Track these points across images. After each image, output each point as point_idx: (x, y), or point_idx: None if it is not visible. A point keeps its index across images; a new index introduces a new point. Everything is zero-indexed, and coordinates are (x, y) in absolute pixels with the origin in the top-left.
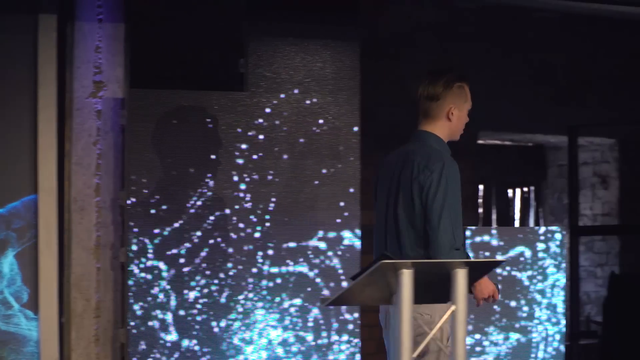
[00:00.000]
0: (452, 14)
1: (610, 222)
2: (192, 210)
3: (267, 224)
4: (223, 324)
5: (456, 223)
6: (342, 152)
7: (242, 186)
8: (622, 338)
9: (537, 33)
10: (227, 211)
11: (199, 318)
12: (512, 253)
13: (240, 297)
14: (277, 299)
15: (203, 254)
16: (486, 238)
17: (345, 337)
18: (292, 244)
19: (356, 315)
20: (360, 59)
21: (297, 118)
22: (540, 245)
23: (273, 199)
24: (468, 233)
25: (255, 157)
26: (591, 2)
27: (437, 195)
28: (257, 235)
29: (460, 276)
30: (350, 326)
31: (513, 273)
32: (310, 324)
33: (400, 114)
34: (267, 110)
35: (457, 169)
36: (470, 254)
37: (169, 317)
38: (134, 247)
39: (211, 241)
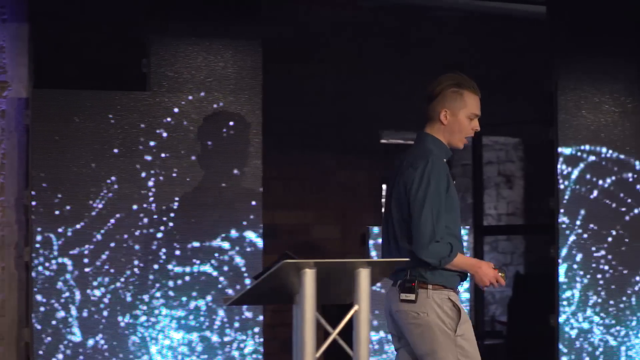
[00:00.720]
0: (353, 13)
1: (514, 222)
2: (96, 209)
3: (171, 224)
4: (128, 322)
5: (438, 218)
6: (244, 151)
7: (147, 185)
8: (526, 337)
9: (438, 32)
10: (132, 210)
11: (104, 315)
12: None
13: (145, 296)
14: (184, 299)
15: (107, 252)
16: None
17: (248, 337)
18: (196, 244)
19: (260, 315)
20: (262, 59)
21: (200, 117)
22: None
23: (176, 199)
24: (376, 230)
25: (158, 156)
26: (493, 0)
27: (419, 191)
28: (159, 235)
29: (363, 276)
30: (254, 326)
31: None
32: (213, 324)
33: (303, 113)
34: (169, 109)
35: (442, 167)
36: (468, 253)
37: (73, 315)
38: (38, 246)
39: (113, 242)
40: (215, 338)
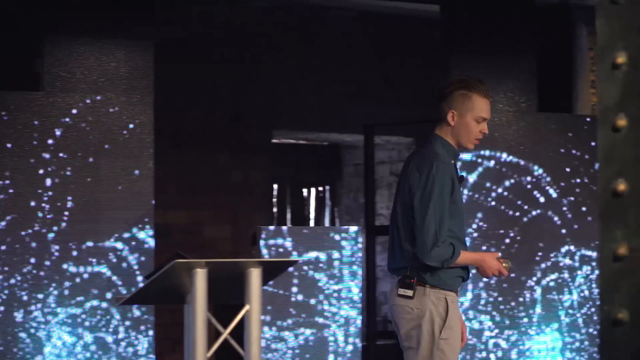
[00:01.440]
0: (248, 13)
1: None
2: None
3: (64, 224)
4: (22, 320)
5: (440, 223)
6: (136, 151)
7: (42, 185)
8: None
9: (333, 31)
10: (27, 208)
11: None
12: (310, 253)
13: (40, 295)
14: (81, 298)
15: (4, 247)
16: (280, 240)
17: (140, 337)
18: (90, 244)
19: (151, 314)
20: (154, 59)
21: (93, 117)
22: (338, 245)
23: (70, 198)
24: (271, 228)
25: (54, 156)
26: (387, 0)
27: (423, 196)
28: (51, 235)
29: (254, 276)
30: (146, 325)
31: (310, 273)
32: (108, 324)
33: (196, 113)
34: (63, 109)
35: (447, 171)
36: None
37: None
38: None
39: (9, 239)
40: (109, 338)
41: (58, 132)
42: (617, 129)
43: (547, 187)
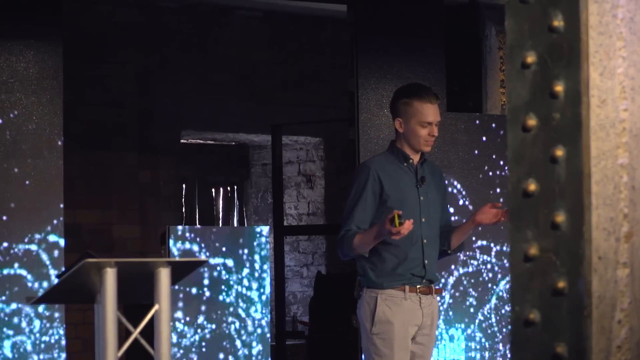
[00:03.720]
0: (154, 13)
1: (316, 222)
2: None
3: None
4: None
5: (349, 219)
6: (46, 152)
7: None
8: (328, 338)
9: (240, 31)
10: None
11: None
12: (219, 253)
13: None
14: None
15: None
16: (188, 241)
17: (50, 336)
18: (5, 244)
19: (61, 313)
20: (63, 59)
21: (2, 118)
22: (247, 245)
23: None
24: (179, 229)
25: None
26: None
27: (347, 199)
28: None
29: (163, 275)
30: (56, 325)
31: (222, 272)
32: (16, 324)
33: (104, 113)
34: None
35: (367, 172)
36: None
37: None
38: None
39: None
40: (22, 337)
41: None
42: (527, 129)
43: (457, 187)
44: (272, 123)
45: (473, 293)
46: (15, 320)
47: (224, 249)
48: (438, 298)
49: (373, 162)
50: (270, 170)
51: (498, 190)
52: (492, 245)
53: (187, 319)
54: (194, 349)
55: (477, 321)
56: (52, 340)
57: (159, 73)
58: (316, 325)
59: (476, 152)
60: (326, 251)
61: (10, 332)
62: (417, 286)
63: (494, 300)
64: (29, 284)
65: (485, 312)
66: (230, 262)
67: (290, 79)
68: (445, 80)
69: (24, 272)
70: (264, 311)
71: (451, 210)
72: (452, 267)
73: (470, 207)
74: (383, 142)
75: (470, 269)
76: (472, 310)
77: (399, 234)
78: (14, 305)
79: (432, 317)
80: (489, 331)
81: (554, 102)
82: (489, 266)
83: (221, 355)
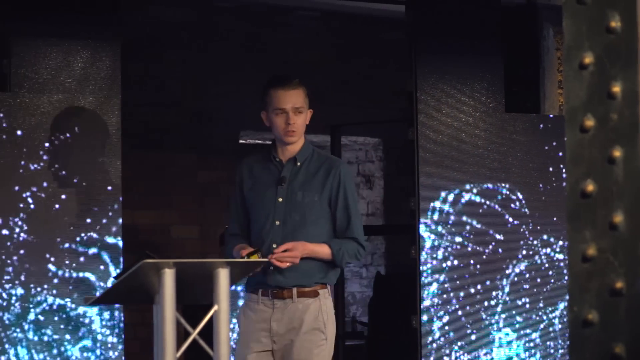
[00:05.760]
0: (211, 13)
1: (375, 222)
2: None
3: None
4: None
5: (230, 223)
6: (104, 152)
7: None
8: (388, 338)
9: (299, 32)
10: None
11: None
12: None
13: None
14: (50, 299)
15: None
16: None
17: (109, 337)
18: (66, 245)
19: (120, 314)
20: (120, 59)
21: (60, 118)
22: None
23: (31, 200)
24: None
25: (18, 158)
26: (351, 0)
27: None
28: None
29: (222, 276)
30: (114, 325)
31: None
32: (76, 325)
33: (162, 113)
34: (31, 110)
35: (241, 168)
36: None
37: None
38: None
39: None
40: (84, 338)
41: (25, 132)
42: (585, 130)
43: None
44: (330, 123)
45: (534, 289)
46: (76, 321)
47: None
48: (312, 300)
49: (244, 162)
50: None
51: (557, 190)
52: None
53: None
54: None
55: (535, 321)
56: (110, 341)
57: (216, 73)
58: (375, 326)
59: (534, 152)
60: (385, 251)
61: (74, 333)
62: (270, 290)
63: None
64: (88, 285)
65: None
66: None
67: (348, 79)
68: (503, 81)
69: (83, 274)
70: None
71: (507, 216)
72: (513, 262)
73: (527, 211)
74: (442, 142)
75: (532, 263)
76: (527, 306)
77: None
78: (73, 306)
79: (287, 324)
80: (550, 331)
81: (611, 102)
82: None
83: None
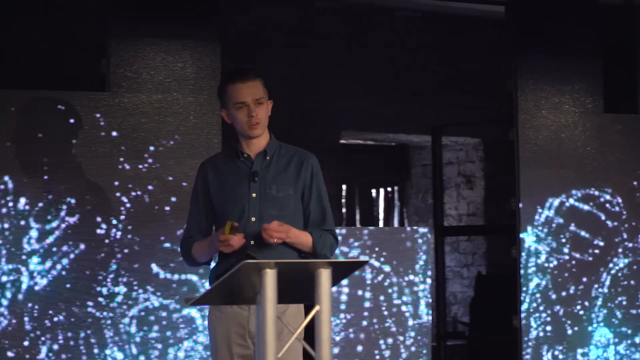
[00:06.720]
0: (311, 14)
1: (475, 222)
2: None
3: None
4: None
5: (188, 219)
6: (204, 152)
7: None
8: (488, 338)
9: (400, 32)
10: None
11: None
12: (379, 253)
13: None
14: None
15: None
16: (347, 245)
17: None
18: (166, 245)
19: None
20: (221, 59)
21: (159, 118)
22: (407, 246)
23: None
24: (343, 231)
25: (117, 158)
26: (451, 0)
27: None
28: (131, 236)
29: (324, 276)
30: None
31: (382, 273)
32: (178, 325)
33: None
34: (129, 110)
35: (198, 173)
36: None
37: (35, 315)
38: None
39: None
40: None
41: (123, 132)
42: None
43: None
44: (430, 124)
45: (631, 290)
46: (178, 321)
47: (384, 250)
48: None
49: (207, 161)
50: (430, 171)
51: None
52: None
53: (348, 317)
54: (353, 349)
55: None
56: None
57: (317, 72)
58: (476, 326)
59: (634, 153)
60: (486, 252)
61: (175, 334)
62: None
63: None
64: (191, 286)
65: None
66: (390, 263)
67: (448, 80)
68: (602, 81)
69: (186, 275)
70: (424, 312)
71: (605, 217)
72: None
73: (625, 212)
74: (542, 142)
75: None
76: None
77: (228, 246)
78: (177, 307)
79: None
80: None
81: None
82: None
83: (382, 354)
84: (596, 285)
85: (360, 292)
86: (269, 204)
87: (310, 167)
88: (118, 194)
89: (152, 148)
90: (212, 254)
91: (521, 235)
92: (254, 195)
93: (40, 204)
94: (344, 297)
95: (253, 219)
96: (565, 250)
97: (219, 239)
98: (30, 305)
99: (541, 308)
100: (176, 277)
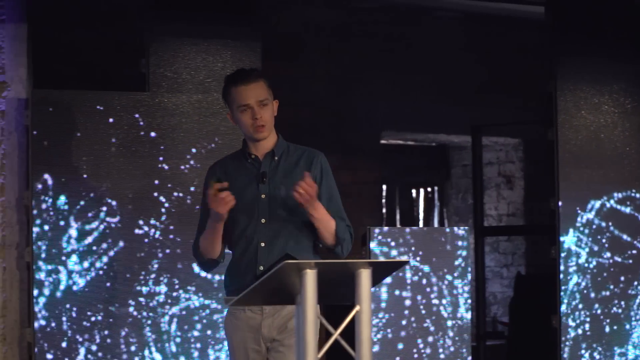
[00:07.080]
0: (351, 14)
1: (515, 223)
2: (101, 213)
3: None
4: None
5: (199, 222)
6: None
7: (156, 188)
8: (528, 338)
9: (439, 32)
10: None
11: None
12: (419, 254)
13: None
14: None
15: (111, 253)
16: (387, 245)
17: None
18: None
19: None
20: (261, 59)
21: (199, 118)
22: (447, 246)
23: (165, 202)
24: (377, 230)
25: (156, 158)
26: (491, 1)
27: None
28: (180, 238)
29: (364, 276)
30: None
31: (422, 273)
32: (215, 324)
33: (302, 113)
34: (169, 110)
35: (213, 172)
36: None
37: (73, 315)
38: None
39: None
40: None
41: (163, 132)
42: None
43: None
44: (470, 124)
45: None
46: (219, 321)
47: (424, 250)
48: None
49: (217, 163)
50: (470, 171)
51: None
52: None
53: (388, 316)
54: (393, 348)
55: None
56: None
57: (357, 73)
58: (516, 326)
59: None
60: (526, 252)
61: (215, 333)
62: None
63: None
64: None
65: None
66: (430, 263)
67: (488, 80)
68: None
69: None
70: (464, 311)
71: None
72: None
73: None
74: (581, 143)
75: None
76: None
77: (220, 200)
78: (219, 307)
79: (278, 327)
80: None
81: None
82: None
83: (420, 354)
84: (635, 282)
85: (397, 292)
86: (278, 205)
87: (319, 164)
88: (156, 194)
89: (194, 150)
90: (215, 234)
91: (561, 238)
92: (263, 196)
93: (81, 203)
94: (384, 296)
95: (263, 220)
96: (606, 254)
97: (209, 193)
98: (68, 305)
99: (581, 308)
100: (217, 277)
